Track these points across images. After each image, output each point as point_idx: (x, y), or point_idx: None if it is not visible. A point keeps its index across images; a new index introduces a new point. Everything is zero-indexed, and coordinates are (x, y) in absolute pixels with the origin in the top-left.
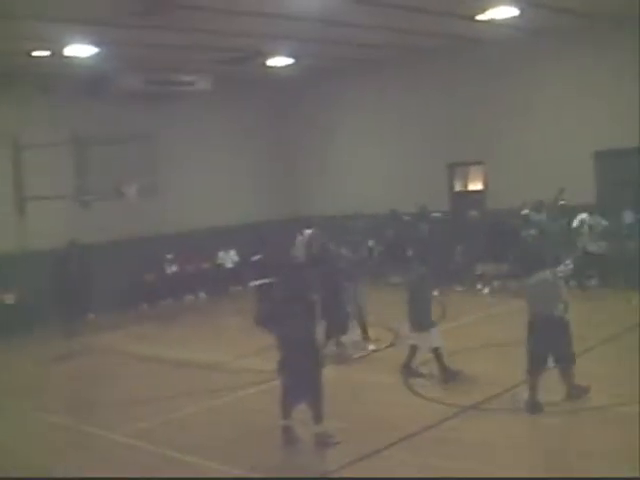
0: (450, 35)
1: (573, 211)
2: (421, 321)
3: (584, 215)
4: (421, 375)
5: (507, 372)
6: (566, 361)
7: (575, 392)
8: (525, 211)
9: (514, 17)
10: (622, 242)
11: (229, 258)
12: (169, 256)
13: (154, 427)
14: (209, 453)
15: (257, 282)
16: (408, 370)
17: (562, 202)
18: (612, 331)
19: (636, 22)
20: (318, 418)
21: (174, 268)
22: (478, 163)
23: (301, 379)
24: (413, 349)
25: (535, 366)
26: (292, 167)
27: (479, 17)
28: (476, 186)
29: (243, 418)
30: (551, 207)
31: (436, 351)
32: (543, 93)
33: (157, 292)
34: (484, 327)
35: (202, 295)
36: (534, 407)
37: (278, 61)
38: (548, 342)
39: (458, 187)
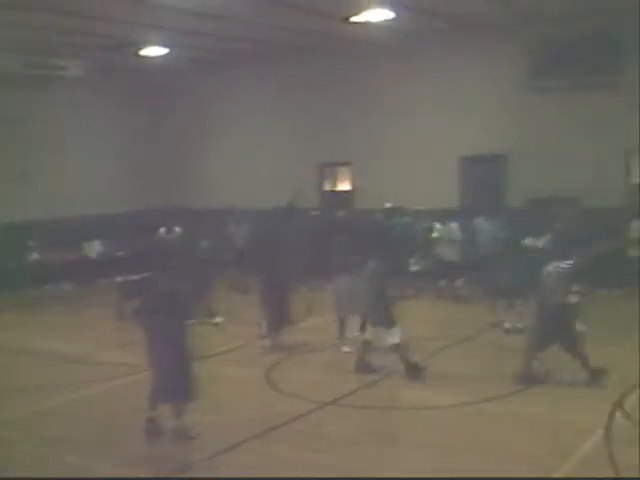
0: (325, 35)
1: (430, 216)
2: (381, 318)
3: (437, 224)
4: (374, 371)
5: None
6: None
7: None
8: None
9: (389, 20)
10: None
11: (93, 248)
12: (31, 243)
13: (16, 419)
14: (72, 446)
15: (125, 277)
16: (364, 366)
17: (418, 207)
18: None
19: (506, 29)
20: (179, 413)
21: (36, 256)
22: (346, 164)
23: (170, 376)
24: (366, 344)
25: None
26: (166, 157)
27: (354, 19)
28: (344, 186)
29: (106, 411)
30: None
31: (397, 348)
32: (414, 96)
33: (18, 280)
34: None
35: (66, 285)
36: None
37: (152, 51)
38: None
39: (327, 186)
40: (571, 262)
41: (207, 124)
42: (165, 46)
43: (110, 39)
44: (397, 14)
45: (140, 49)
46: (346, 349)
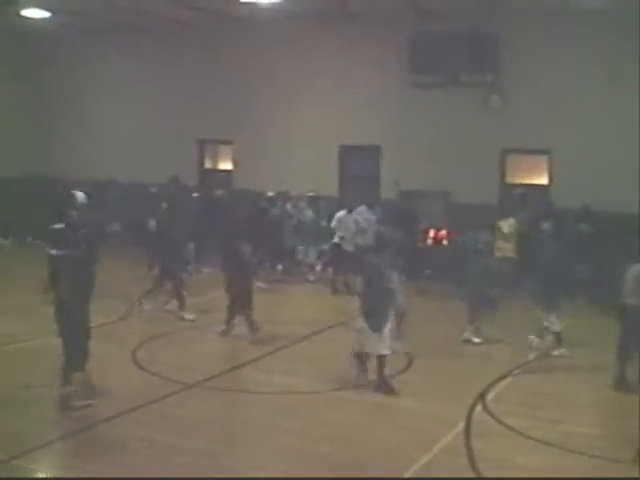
0: (216, 12)
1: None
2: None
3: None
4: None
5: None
6: None
7: None
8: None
9: (278, 2)
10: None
11: None
12: None
13: None
14: None
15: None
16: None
17: (311, 194)
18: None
19: (394, 21)
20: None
21: None
22: (228, 142)
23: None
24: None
25: None
26: (45, 123)
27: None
28: (226, 165)
29: None
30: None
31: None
32: (300, 80)
33: None
34: None
35: None
36: None
37: (34, 12)
38: None
39: (208, 164)
40: None
41: (85, 95)
42: (48, 10)
43: None
44: None
45: (22, 9)
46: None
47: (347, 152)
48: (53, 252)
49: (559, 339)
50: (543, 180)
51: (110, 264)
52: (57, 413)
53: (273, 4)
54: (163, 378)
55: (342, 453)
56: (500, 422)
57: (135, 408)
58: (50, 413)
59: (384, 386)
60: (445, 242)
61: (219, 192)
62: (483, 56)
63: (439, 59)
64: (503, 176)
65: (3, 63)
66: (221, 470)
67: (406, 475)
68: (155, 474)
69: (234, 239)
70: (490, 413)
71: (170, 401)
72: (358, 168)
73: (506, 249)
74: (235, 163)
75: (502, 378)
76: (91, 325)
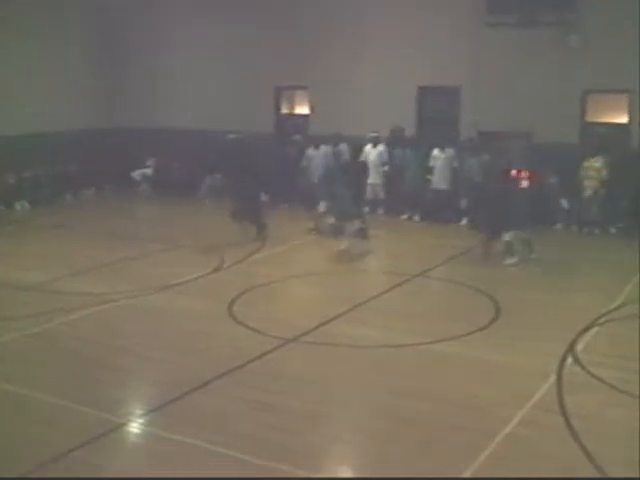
0: None
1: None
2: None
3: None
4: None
5: (328, 303)
6: None
7: None
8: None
9: None
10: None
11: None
12: None
13: None
14: (31, 382)
15: None
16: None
17: (373, 134)
18: None
19: None
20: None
21: None
22: (304, 87)
23: None
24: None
25: None
26: (117, 78)
27: None
28: (302, 110)
29: (66, 346)
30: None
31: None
32: (373, 25)
33: None
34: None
35: (24, 204)
36: None
37: None
38: None
39: (285, 110)
40: None
41: (165, 46)
42: None
43: None
44: None
45: None
46: None
47: (425, 93)
48: None
49: None
50: (623, 119)
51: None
52: (159, 379)
53: None
54: (260, 333)
55: (436, 412)
56: (592, 375)
57: (236, 367)
58: (152, 379)
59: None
60: (525, 183)
61: (297, 136)
62: None
63: None
64: (583, 116)
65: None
66: (324, 435)
67: (500, 435)
68: (267, 440)
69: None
70: (581, 365)
71: (270, 358)
72: (436, 109)
73: (595, 186)
74: (311, 108)
75: (589, 327)
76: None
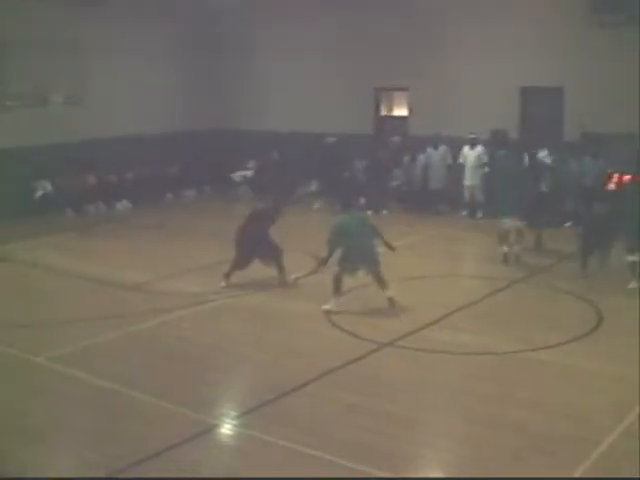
0: None
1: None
2: None
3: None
4: None
5: (425, 308)
6: None
7: None
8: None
9: None
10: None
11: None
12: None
13: (76, 351)
14: (134, 381)
15: None
16: None
17: (472, 136)
18: None
19: None
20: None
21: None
22: (403, 89)
23: None
24: None
25: None
26: (220, 81)
27: None
28: (400, 112)
29: (165, 345)
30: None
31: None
32: (480, 21)
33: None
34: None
35: (125, 204)
36: None
37: None
38: None
39: (384, 111)
40: None
41: (265, 48)
42: None
43: None
44: None
45: None
46: None
47: (528, 94)
48: None
49: None
50: None
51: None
52: (254, 380)
53: None
54: (356, 337)
55: (534, 421)
56: None
57: (333, 370)
58: (248, 380)
59: None
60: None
61: (396, 138)
62: None
63: None
64: None
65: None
66: (418, 440)
67: (601, 446)
68: (362, 444)
69: None
70: None
71: (366, 362)
72: (540, 110)
73: None
74: (410, 109)
75: None
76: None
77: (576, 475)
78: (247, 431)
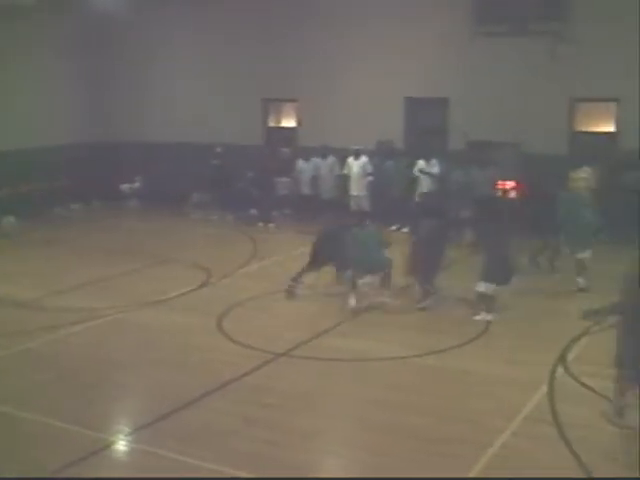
0: None
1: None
2: None
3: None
4: None
5: (319, 316)
6: None
7: None
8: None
9: None
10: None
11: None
12: None
13: None
14: (24, 402)
15: None
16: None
17: (357, 147)
18: None
19: None
20: None
21: None
22: (292, 100)
23: None
24: None
25: None
26: (104, 92)
27: None
28: (289, 123)
29: (55, 362)
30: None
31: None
32: (366, 32)
33: None
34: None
35: (11, 220)
36: None
37: None
38: None
39: (271, 123)
40: None
41: (147, 58)
42: None
43: None
44: None
45: None
46: None
47: (413, 104)
48: None
49: None
50: (611, 128)
51: None
52: (149, 395)
53: None
54: (251, 348)
55: (429, 426)
56: (583, 385)
57: (228, 382)
58: (143, 395)
59: None
60: (513, 194)
61: (285, 149)
62: (551, 3)
63: (506, 8)
64: (572, 125)
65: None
66: (316, 449)
67: (492, 448)
68: (259, 455)
69: None
70: (572, 375)
71: (262, 373)
72: (424, 120)
73: None
74: (299, 121)
75: (581, 336)
76: None
77: (471, 475)
78: (142, 446)
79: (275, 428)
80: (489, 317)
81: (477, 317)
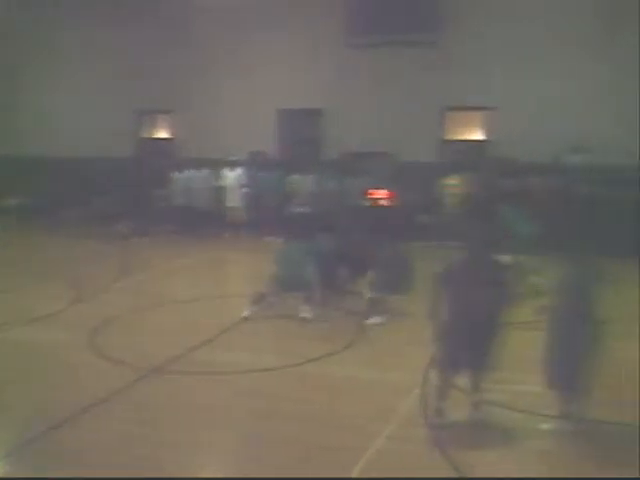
0: None
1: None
2: None
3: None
4: None
5: (194, 330)
6: None
7: None
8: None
9: None
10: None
11: None
12: None
13: None
14: None
15: None
16: None
17: (233, 158)
18: None
19: None
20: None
21: None
22: (166, 112)
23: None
24: None
25: None
26: None
27: None
28: (165, 134)
29: None
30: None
31: None
32: (236, 43)
33: None
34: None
35: None
36: None
37: None
38: None
39: (145, 134)
40: None
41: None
42: None
43: None
44: None
45: None
46: None
47: (286, 115)
48: None
49: None
50: (480, 136)
51: None
52: (19, 416)
53: None
54: (124, 364)
55: (308, 433)
56: (453, 386)
57: (102, 400)
58: (12, 416)
59: None
60: (384, 203)
61: (160, 161)
62: (423, 14)
63: (377, 18)
64: (443, 133)
65: None
66: (194, 463)
67: (370, 451)
68: (135, 472)
69: None
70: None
71: (136, 389)
72: (298, 131)
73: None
74: (174, 132)
75: None
76: None
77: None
78: (15, 468)
79: (152, 444)
80: (381, 319)
81: (369, 321)
